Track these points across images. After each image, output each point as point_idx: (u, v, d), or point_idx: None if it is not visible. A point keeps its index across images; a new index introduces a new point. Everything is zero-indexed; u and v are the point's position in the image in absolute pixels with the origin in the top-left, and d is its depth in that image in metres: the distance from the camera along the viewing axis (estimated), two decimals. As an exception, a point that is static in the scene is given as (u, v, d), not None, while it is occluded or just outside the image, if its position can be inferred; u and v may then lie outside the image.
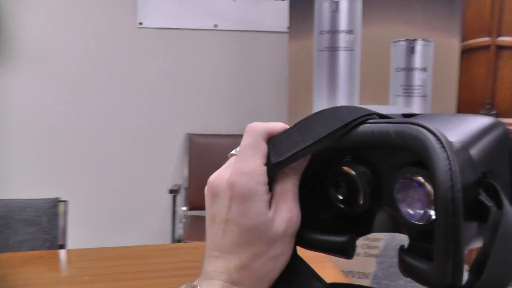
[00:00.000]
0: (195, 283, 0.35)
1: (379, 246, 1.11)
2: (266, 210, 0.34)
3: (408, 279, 0.30)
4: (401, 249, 0.32)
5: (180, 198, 2.39)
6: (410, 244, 0.32)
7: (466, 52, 2.21)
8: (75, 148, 2.50)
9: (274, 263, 0.34)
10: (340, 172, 0.35)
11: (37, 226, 1.17)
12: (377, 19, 2.10)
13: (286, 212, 0.34)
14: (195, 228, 2.22)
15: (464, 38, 2.18)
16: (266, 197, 0.34)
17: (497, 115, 2.15)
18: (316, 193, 0.37)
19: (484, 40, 2.17)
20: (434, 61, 2.08)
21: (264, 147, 0.35)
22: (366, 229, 0.36)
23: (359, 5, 2.10)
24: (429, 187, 0.29)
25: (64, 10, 2.41)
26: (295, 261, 0.35)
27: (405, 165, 0.31)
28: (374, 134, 0.32)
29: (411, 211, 0.31)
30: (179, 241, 2.10)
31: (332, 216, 0.37)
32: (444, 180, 0.27)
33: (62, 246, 1.22)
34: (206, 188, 0.37)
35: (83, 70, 2.46)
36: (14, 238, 1.16)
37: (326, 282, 0.36)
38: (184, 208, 2.43)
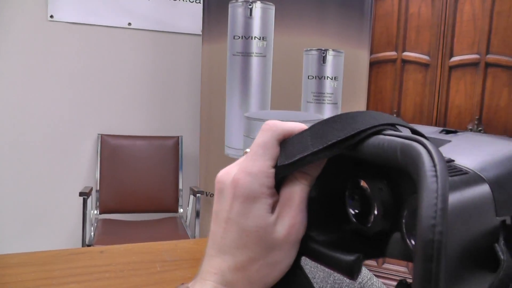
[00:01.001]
0: (190, 284, 0.34)
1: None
2: (267, 214, 0.33)
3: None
4: (400, 283, 0.30)
5: (92, 200, 2.32)
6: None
7: (375, 64, 2.38)
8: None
9: (271, 269, 0.33)
10: (357, 185, 0.33)
11: None
12: (291, 28, 2.19)
13: (290, 218, 0.33)
14: (106, 232, 2.17)
15: (373, 51, 2.35)
16: (269, 200, 0.33)
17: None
18: (332, 203, 0.35)
19: (391, 54, 2.35)
20: (344, 71, 2.20)
21: (276, 149, 0.34)
22: (377, 251, 0.32)
23: (272, 12, 2.17)
24: None
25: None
26: (295, 271, 0.34)
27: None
28: (384, 148, 0.28)
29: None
30: (89, 245, 2.03)
31: (345, 230, 0.34)
32: (425, 216, 0.22)
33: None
34: (215, 182, 0.35)
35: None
36: None
37: None
38: (95, 212, 2.36)
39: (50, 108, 2.42)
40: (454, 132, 0.36)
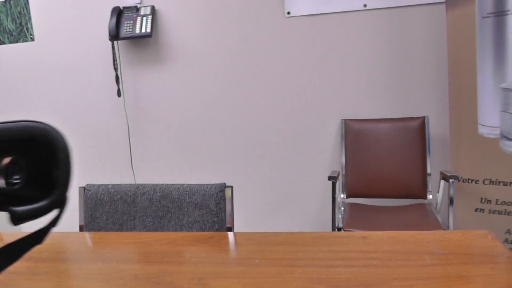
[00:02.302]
0: None
1: None
2: None
3: None
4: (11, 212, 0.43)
5: (339, 185, 2.38)
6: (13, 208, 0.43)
7: None
8: (237, 139, 2.69)
9: None
10: None
11: (205, 209, 1.29)
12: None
13: None
14: (354, 216, 2.19)
15: None
16: None
17: None
18: None
19: None
20: None
21: None
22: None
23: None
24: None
25: (213, 9, 2.60)
26: None
27: None
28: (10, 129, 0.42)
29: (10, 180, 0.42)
30: (339, 229, 2.10)
31: None
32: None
33: (230, 229, 1.28)
34: None
35: (235, 64, 2.63)
36: (187, 219, 1.31)
37: None
38: (343, 196, 2.42)
39: (296, 99, 2.59)
40: None
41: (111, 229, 1.33)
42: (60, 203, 0.45)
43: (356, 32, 2.47)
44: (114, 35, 2.55)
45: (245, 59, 2.61)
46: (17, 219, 0.43)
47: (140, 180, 2.83)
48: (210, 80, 2.67)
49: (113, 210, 1.33)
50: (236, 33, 2.60)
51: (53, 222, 0.47)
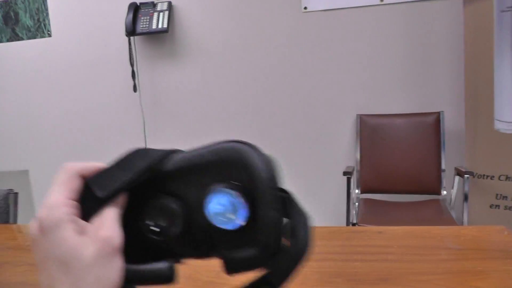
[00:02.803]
0: None
1: None
2: (73, 235, 0.34)
3: None
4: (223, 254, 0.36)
5: (353, 180, 2.38)
6: (225, 251, 0.36)
7: None
8: (253, 134, 2.70)
9: (97, 286, 0.33)
10: (154, 206, 0.38)
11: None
12: None
13: (102, 232, 0.34)
14: (369, 211, 2.20)
15: None
16: (73, 225, 0.34)
17: None
18: (133, 230, 0.38)
19: None
20: None
21: (73, 183, 0.36)
22: (178, 255, 0.38)
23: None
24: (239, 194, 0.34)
25: (229, 4, 2.61)
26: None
27: (208, 191, 0.35)
28: (191, 158, 0.36)
29: (222, 219, 0.34)
30: (354, 224, 2.10)
31: (144, 248, 0.38)
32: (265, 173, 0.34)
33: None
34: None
35: (250, 60, 2.64)
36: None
37: None
38: (357, 191, 2.42)
39: (311, 93, 2.60)
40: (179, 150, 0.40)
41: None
42: (270, 252, 0.34)
43: (372, 27, 2.47)
44: (131, 31, 2.58)
45: (262, 55, 2.62)
46: (233, 268, 0.36)
47: (156, 174, 2.86)
48: (226, 76, 2.69)
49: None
50: (253, 29, 2.61)
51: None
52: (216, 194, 0.34)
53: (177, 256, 0.38)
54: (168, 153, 0.37)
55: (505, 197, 2.05)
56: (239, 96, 2.69)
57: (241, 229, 0.34)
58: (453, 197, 2.24)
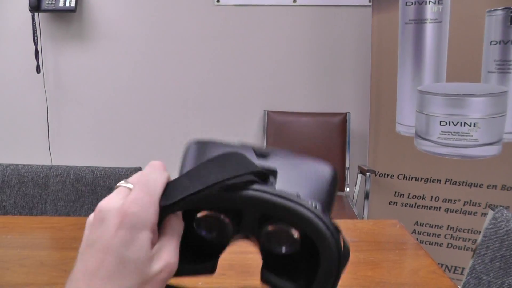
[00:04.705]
0: None
1: (476, 238, 1.02)
2: (148, 248, 0.34)
3: None
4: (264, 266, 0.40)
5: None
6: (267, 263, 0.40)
7: None
8: (158, 123, 2.63)
9: None
10: (209, 216, 0.38)
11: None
12: (470, -13, 1.94)
13: (166, 257, 0.34)
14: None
15: None
16: (151, 235, 0.34)
17: None
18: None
19: None
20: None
21: (163, 186, 0.36)
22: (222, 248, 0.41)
23: (448, -29, 1.95)
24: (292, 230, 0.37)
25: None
26: None
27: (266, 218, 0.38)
28: (261, 202, 0.35)
29: (279, 248, 0.39)
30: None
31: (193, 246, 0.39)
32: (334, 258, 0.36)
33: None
34: (93, 213, 0.35)
35: (160, 49, 2.56)
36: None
37: None
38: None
39: (219, 88, 2.58)
40: (267, 153, 0.41)
41: (19, 213, 1.25)
42: None
43: (284, 26, 2.52)
44: (35, 6, 2.38)
45: (171, 44, 2.55)
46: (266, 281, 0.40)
47: (58, 163, 2.67)
48: (133, 63, 2.58)
49: (23, 193, 1.25)
50: (164, 16, 2.53)
51: None
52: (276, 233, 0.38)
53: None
54: (261, 173, 0.37)
55: (402, 195, 2.21)
56: (147, 86, 2.59)
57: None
58: (355, 193, 2.36)
